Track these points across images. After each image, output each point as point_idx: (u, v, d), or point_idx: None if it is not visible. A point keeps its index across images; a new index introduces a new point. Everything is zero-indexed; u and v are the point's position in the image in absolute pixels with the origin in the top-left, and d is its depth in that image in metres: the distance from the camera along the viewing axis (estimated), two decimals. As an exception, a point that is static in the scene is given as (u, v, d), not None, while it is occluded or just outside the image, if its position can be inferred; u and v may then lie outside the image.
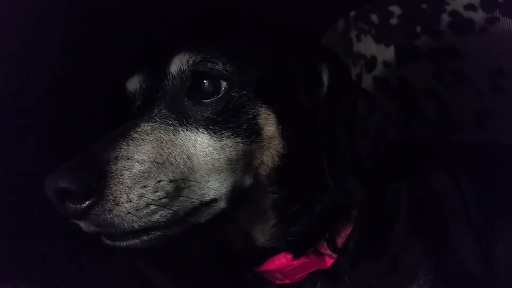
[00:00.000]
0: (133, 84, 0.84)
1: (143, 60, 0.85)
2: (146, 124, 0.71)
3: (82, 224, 0.65)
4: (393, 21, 1.98)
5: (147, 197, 0.64)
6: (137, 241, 0.67)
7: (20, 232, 0.81)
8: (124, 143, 0.67)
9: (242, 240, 0.85)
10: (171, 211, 0.67)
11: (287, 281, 0.87)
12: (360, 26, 2.11)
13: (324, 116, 0.79)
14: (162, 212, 0.66)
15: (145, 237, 0.67)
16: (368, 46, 2.09)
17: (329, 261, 0.85)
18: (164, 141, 0.70)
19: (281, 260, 0.84)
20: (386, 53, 2.04)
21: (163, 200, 0.65)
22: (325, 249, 0.85)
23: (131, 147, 0.67)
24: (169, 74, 0.76)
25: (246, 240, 0.85)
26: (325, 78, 0.83)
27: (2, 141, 0.86)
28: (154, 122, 0.72)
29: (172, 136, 0.71)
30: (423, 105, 1.96)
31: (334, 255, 0.85)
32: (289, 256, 0.84)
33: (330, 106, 0.80)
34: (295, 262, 0.84)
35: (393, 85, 2.04)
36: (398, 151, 0.92)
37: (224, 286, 0.92)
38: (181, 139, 0.71)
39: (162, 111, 0.74)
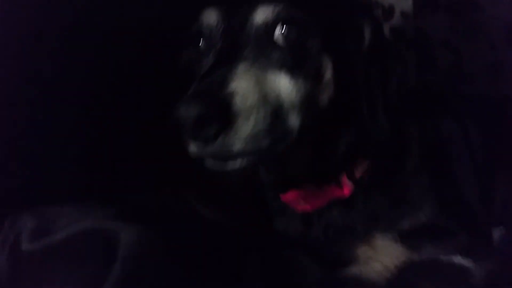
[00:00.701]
0: (210, 18, 0.87)
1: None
2: (243, 65, 0.78)
3: (195, 148, 0.74)
4: (413, -30, 2.02)
5: (256, 128, 0.73)
6: (237, 163, 0.77)
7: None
8: (230, 81, 0.74)
9: (278, 170, 0.96)
10: (269, 140, 0.76)
11: (308, 207, 0.98)
12: (379, -26, 2.13)
13: (366, 66, 0.88)
14: (264, 140, 0.75)
15: (244, 160, 0.77)
16: (386, -5, 2.12)
17: (347, 191, 0.95)
18: (260, 80, 0.77)
19: (307, 189, 0.95)
20: (404, 3, 2.06)
21: (265, 131, 0.75)
22: (344, 180, 0.95)
23: (238, 84, 0.74)
24: (253, 21, 0.82)
25: (281, 170, 0.95)
26: (367, 33, 0.90)
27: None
28: (249, 63, 0.78)
29: (265, 77, 0.79)
30: (437, 56, 2.02)
31: (351, 186, 0.95)
32: (314, 185, 0.95)
33: (371, 57, 0.88)
34: (319, 191, 0.95)
35: (409, 35, 2.09)
36: (413, 97, 1.02)
37: (253, 213, 1.04)
38: (270, 79, 0.79)
39: (251, 54, 0.80)
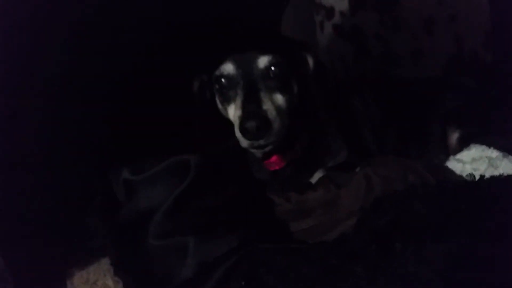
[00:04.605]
0: (230, 67, 1.34)
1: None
2: (262, 92, 1.28)
3: (248, 144, 1.26)
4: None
5: (278, 128, 1.26)
6: (268, 148, 1.31)
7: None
8: (262, 104, 1.26)
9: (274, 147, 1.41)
10: (281, 134, 1.30)
11: (276, 167, 1.50)
12: (320, -19, 2.50)
13: (313, 81, 1.44)
14: (280, 134, 1.28)
15: (271, 147, 1.31)
16: (327, -2, 2.47)
17: (298, 154, 1.49)
18: (271, 99, 1.30)
19: (277, 156, 1.47)
20: (342, 4, 2.45)
21: (281, 128, 1.28)
22: (297, 147, 1.49)
23: (266, 106, 1.25)
24: (257, 66, 1.31)
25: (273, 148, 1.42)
26: (310, 61, 1.44)
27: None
28: (263, 91, 1.29)
29: (272, 96, 1.31)
30: (371, 46, 2.41)
31: (300, 150, 1.49)
32: (280, 154, 1.47)
33: (315, 76, 1.44)
34: (284, 155, 1.47)
35: (347, 30, 2.48)
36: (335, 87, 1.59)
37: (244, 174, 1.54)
38: (275, 97, 1.32)
39: (262, 85, 1.29)
